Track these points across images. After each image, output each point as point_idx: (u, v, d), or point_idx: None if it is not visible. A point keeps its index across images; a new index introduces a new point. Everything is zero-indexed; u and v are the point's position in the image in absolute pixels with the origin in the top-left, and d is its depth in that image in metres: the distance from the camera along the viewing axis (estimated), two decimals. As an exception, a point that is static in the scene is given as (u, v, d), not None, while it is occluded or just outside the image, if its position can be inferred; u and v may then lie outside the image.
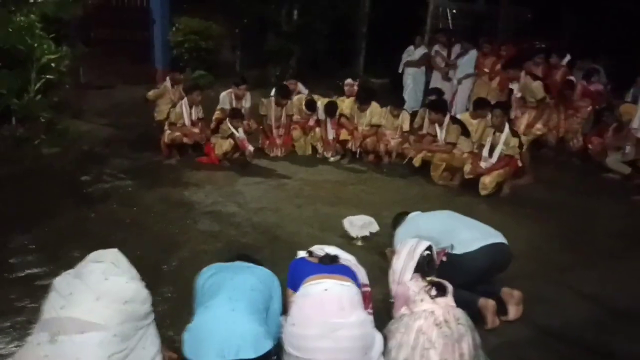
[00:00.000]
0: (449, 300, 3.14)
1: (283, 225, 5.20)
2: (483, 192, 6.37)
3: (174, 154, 7.03)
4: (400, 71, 10.55)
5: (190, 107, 7.07)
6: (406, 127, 7.53)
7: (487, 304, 3.63)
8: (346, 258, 3.23)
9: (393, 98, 8.50)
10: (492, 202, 6.32)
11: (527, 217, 6.00)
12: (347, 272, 3.06)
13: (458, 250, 3.75)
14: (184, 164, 6.88)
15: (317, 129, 7.67)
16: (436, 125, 6.97)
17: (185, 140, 7.02)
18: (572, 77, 8.75)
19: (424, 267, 3.24)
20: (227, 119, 6.90)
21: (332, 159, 7.57)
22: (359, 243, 4.89)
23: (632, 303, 4.17)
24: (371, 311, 3.30)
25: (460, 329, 3.01)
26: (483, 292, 3.80)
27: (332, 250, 3.27)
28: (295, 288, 3.03)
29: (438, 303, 3.09)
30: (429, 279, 3.22)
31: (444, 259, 3.82)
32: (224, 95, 7.59)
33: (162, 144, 7.07)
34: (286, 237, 4.93)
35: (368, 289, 3.27)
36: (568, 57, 8.78)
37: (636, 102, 7.82)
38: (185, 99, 7.07)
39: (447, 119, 6.84)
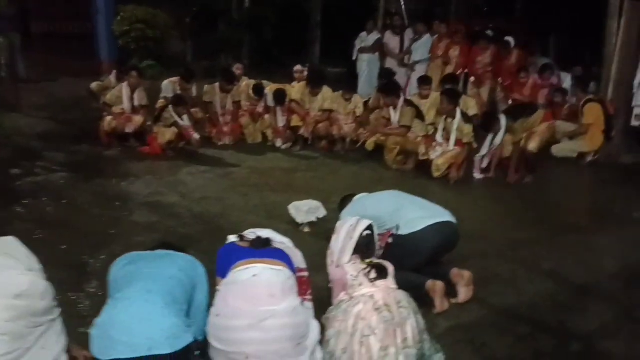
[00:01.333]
0: (389, 282, 2.90)
1: (227, 214, 4.91)
2: (436, 174, 6.22)
3: (114, 144, 6.65)
4: (354, 58, 10.33)
5: (133, 92, 6.68)
6: (359, 111, 7.31)
7: (435, 286, 3.42)
8: (281, 241, 2.97)
9: (350, 87, 8.28)
10: (446, 184, 6.17)
11: (482, 197, 5.89)
12: (280, 256, 2.80)
13: (404, 230, 3.54)
14: (125, 155, 6.51)
15: (267, 116, 7.38)
16: (390, 108, 6.77)
17: (126, 129, 6.63)
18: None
19: (363, 248, 3.00)
20: (170, 106, 6.54)
21: (283, 147, 7.30)
22: (306, 229, 4.64)
23: (589, 278, 4.05)
24: (310, 298, 3.06)
25: (402, 313, 2.78)
26: (431, 273, 3.59)
27: (265, 233, 3.00)
28: (224, 275, 2.75)
29: (378, 286, 2.85)
30: (368, 261, 2.98)
31: (390, 240, 3.61)
32: (167, 83, 7.23)
33: (101, 132, 6.67)
34: (229, 227, 4.62)
35: (305, 274, 3.02)
36: (512, 41, 8.70)
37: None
38: (126, 82, 6.67)
39: (401, 101, 6.64)
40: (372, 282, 2.88)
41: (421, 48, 9.47)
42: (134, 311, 2.34)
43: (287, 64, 12.82)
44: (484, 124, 6.37)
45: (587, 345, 3.25)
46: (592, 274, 4.10)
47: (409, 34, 9.79)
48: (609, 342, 3.27)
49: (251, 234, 2.99)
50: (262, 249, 2.81)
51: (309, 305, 3.04)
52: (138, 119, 6.65)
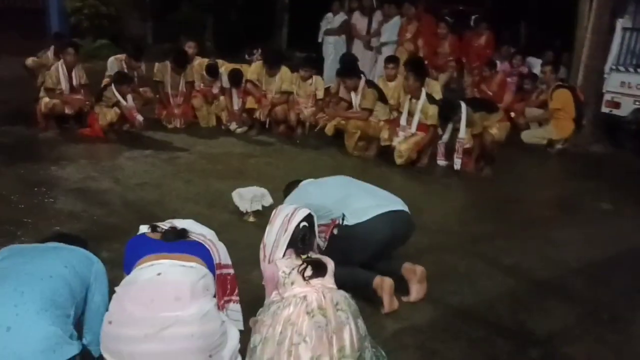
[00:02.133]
0: (326, 281, 2.51)
1: (164, 202, 4.46)
2: (399, 161, 5.87)
3: (51, 126, 6.11)
4: (320, 40, 9.89)
5: (70, 70, 6.13)
6: (320, 94, 6.88)
7: (383, 283, 3.04)
8: (201, 233, 2.55)
9: (319, 72, 7.87)
10: (409, 173, 5.84)
11: (444, 186, 5.56)
12: (195, 250, 2.38)
13: (350, 220, 3.14)
14: (63, 137, 5.99)
15: (222, 98, 6.89)
16: (351, 91, 6.36)
17: (66, 110, 6.09)
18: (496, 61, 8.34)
19: (299, 242, 2.60)
20: (113, 84, 6.02)
21: (238, 131, 6.84)
22: (251, 219, 4.22)
23: (552, 275, 3.75)
24: (236, 299, 2.65)
25: (339, 317, 2.39)
26: (381, 269, 3.22)
27: (183, 223, 2.58)
28: (130, 273, 2.33)
29: (313, 285, 2.46)
30: (304, 256, 2.58)
31: (335, 231, 3.22)
32: (112, 60, 6.68)
33: (37, 114, 6.13)
34: (164, 216, 4.08)
35: (230, 271, 2.60)
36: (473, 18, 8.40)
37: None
38: (62, 60, 6.12)
39: (362, 82, 6.22)
40: (306, 280, 2.48)
41: (389, 30, 9.07)
42: (-1, 318, 1.90)
43: (252, 49, 12.36)
44: (443, 113, 5.98)
45: (547, 350, 2.91)
46: (555, 271, 3.80)
47: (377, 15, 9.38)
48: (571, 347, 2.95)
49: (167, 223, 2.57)
50: (174, 242, 2.39)
51: (236, 307, 2.65)
52: (77, 100, 6.11)
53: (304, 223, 2.64)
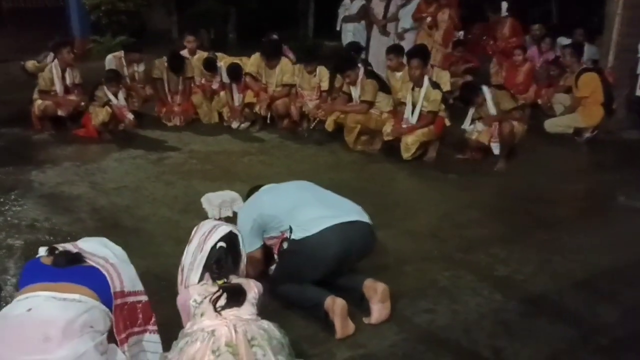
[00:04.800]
0: (243, 311, 2.18)
1: (135, 207, 4.22)
2: (405, 155, 5.45)
3: (46, 128, 6.01)
4: (338, 28, 9.47)
5: (64, 71, 6.01)
6: (325, 85, 6.48)
7: (334, 305, 2.67)
8: (103, 256, 2.24)
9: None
10: (414, 168, 5.40)
11: (451, 184, 5.07)
12: (88, 278, 2.09)
13: (297, 234, 2.79)
14: (56, 139, 5.85)
15: (222, 93, 6.61)
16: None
17: (59, 112, 5.98)
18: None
19: (213, 265, 2.28)
20: (104, 83, 5.85)
21: (242, 127, 6.55)
22: (221, 226, 3.91)
23: (550, 288, 3.28)
24: (154, 328, 2.35)
25: (255, 354, 2.07)
26: (341, 286, 2.87)
27: (87, 243, 2.30)
28: (20, 303, 2.07)
29: (224, 318, 2.13)
30: (221, 282, 2.25)
31: (285, 246, 2.89)
32: (110, 58, 6.51)
33: (32, 117, 6.05)
34: (131, 223, 3.96)
35: (142, 298, 2.29)
36: (505, 6, 7.74)
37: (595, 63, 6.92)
38: (56, 60, 5.99)
39: (360, 73, 5.78)
40: (217, 311, 2.16)
41: (409, 15, 8.54)
42: None
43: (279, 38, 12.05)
44: (463, 95, 5.59)
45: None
46: (554, 283, 3.31)
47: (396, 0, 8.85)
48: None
49: (68, 245, 2.29)
50: (65, 268, 2.11)
51: (153, 337, 2.34)
52: (70, 101, 5.98)
53: (221, 243, 2.32)
